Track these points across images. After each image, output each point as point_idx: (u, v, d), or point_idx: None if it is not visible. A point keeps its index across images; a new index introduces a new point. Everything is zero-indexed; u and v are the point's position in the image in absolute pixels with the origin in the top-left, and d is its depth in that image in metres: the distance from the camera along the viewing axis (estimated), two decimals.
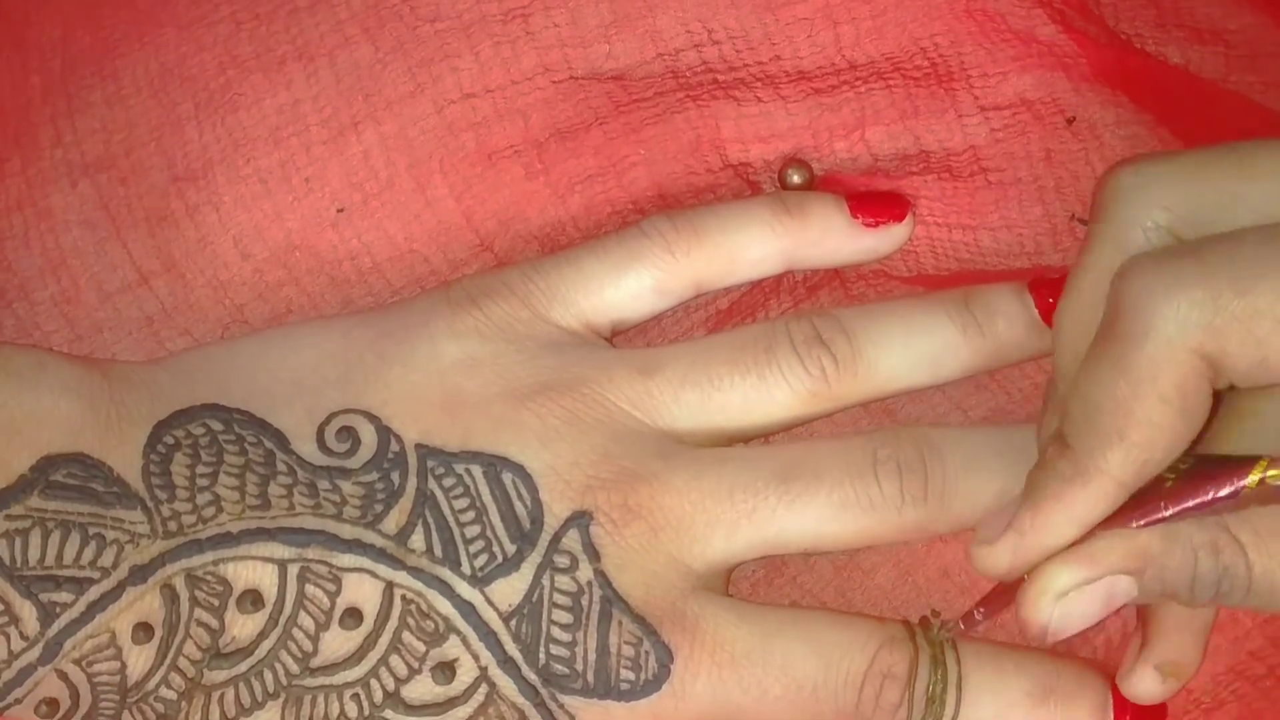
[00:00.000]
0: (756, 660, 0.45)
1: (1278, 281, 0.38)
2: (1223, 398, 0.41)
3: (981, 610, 0.45)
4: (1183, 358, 0.38)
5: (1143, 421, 0.39)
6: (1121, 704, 0.46)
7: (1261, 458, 0.40)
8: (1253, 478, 0.40)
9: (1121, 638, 0.48)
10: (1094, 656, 0.48)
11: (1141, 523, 0.41)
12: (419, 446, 0.46)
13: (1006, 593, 0.43)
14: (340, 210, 0.51)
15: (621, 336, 0.50)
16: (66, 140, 0.51)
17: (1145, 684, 0.45)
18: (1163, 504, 0.41)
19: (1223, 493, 0.40)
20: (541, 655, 0.45)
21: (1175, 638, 0.45)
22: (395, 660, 0.45)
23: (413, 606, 0.45)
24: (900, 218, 0.50)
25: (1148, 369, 0.39)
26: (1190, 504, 0.40)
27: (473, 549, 0.45)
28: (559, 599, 0.45)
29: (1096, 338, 0.40)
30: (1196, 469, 0.41)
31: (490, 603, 0.45)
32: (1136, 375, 0.39)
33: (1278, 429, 0.42)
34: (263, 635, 0.44)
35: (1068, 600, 0.41)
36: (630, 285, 0.49)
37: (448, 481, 0.46)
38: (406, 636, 0.45)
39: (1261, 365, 0.38)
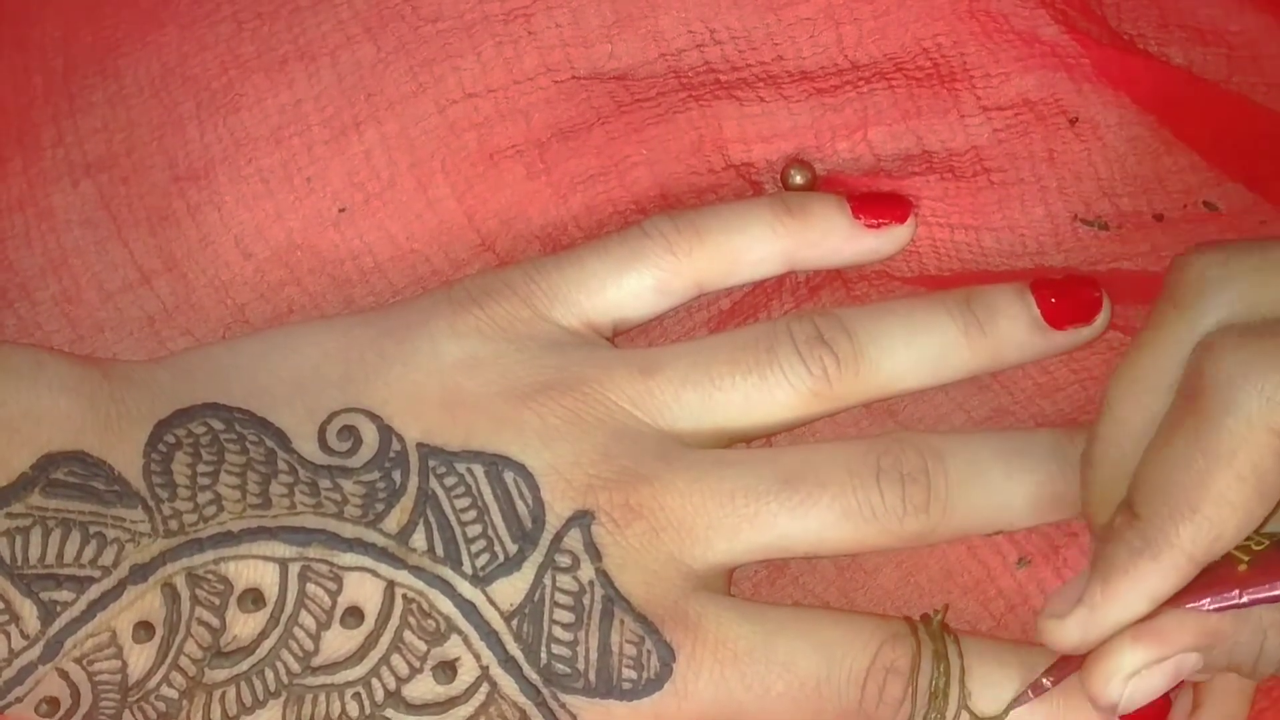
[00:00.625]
0: (759, 658, 0.45)
1: None
2: None
3: (1049, 679, 0.45)
4: (1263, 438, 0.39)
5: (1217, 498, 0.40)
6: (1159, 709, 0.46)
7: None
8: None
9: None
10: None
11: (1214, 607, 0.41)
12: (420, 446, 0.46)
13: (1073, 660, 0.44)
14: (342, 210, 0.51)
15: (623, 336, 0.50)
16: (68, 140, 0.51)
17: None
18: (1238, 592, 0.41)
19: None
20: (543, 654, 0.45)
21: (1224, 699, 0.46)
22: (396, 659, 0.44)
23: (414, 606, 0.45)
24: (902, 219, 0.50)
25: (1227, 445, 0.39)
26: (1266, 593, 0.41)
27: (474, 548, 0.45)
28: (560, 598, 0.45)
29: (1173, 410, 0.41)
30: (1270, 552, 0.41)
31: (492, 602, 0.45)
32: (1215, 451, 0.39)
33: None
34: (264, 634, 0.44)
35: (1137, 678, 0.42)
36: (632, 285, 0.49)
37: (449, 481, 0.46)
38: (408, 636, 0.45)
39: None
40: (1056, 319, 0.48)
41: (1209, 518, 0.40)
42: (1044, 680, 0.45)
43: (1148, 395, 0.42)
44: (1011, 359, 0.49)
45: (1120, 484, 0.43)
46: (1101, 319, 0.49)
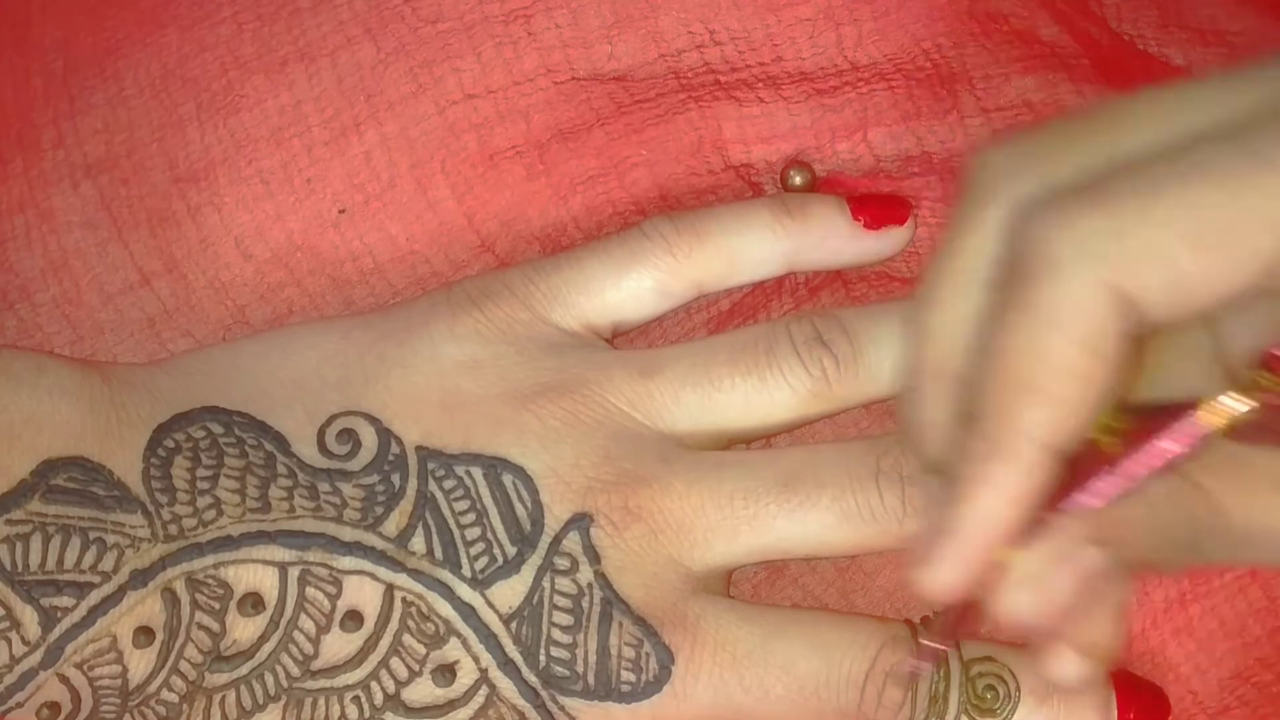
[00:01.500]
0: (758, 660, 0.45)
1: (1182, 195, 0.34)
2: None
3: (932, 639, 0.43)
4: (1090, 292, 0.35)
5: (1054, 370, 0.35)
6: (1125, 701, 0.46)
7: (1198, 398, 0.37)
8: (1206, 416, 0.37)
9: (1126, 642, 0.48)
10: None
11: (1090, 499, 0.38)
12: (419, 448, 0.46)
13: (965, 613, 0.41)
14: (342, 211, 0.51)
15: (623, 337, 0.50)
16: (68, 141, 0.51)
17: (1067, 665, 0.40)
18: (1107, 469, 0.38)
19: (1177, 439, 0.37)
20: (542, 657, 0.45)
21: (1096, 619, 0.41)
22: (396, 663, 0.45)
23: (413, 609, 0.45)
24: (902, 220, 0.50)
25: (1054, 310, 0.35)
26: (1142, 462, 0.37)
27: (473, 551, 0.45)
28: (559, 601, 0.45)
29: (994, 300, 0.37)
30: (1138, 426, 0.37)
31: (491, 605, 0.45)
32: (1044, 319, 0.35)
33: (1183, 372, 0.39)
34: (263, 638, 0.44)
35: (1041, 584, 0.38)
36: (631, 286, 0.49)
37: (448, 483, 0.46)
38: (407, 639, 0.45)
39: (1176, 287, 0.35)
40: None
41: (1051, 394, 0.35)
42: (926, 644, 0.43)
43: (952, 293, 0.38)
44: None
45: (942, 399, 0.39)
46: None
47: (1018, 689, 0.46)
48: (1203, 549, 0.39)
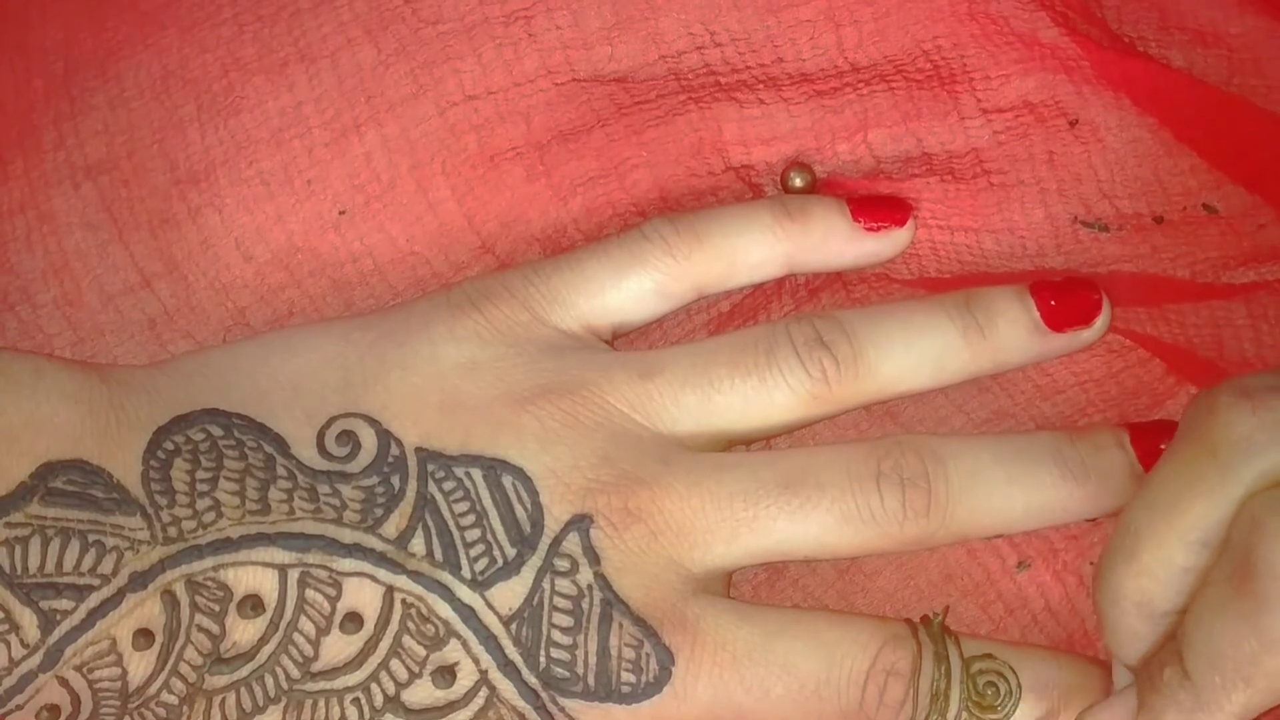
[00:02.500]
0: (758, 660, 0.45)
1: None
2: None
3: None
4: None
5: (1270, 673, 0.40)
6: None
7: None
8: None
9: None
10: (1098, 655, 0.48)
11: None
12: (419, 450, 0.46)
13: None
14: (342, 212, 0.51)
15: (623, 339, 0.50)
16: (69, 143, 0.51)
17: None
18: None
19: None
20: (542, 658, 0.45)
21: None
22: (396, 664, 0.45)
23: (413, 610, 0.45)
24: (902, 222, 0.50)
25: None
26: None
27: (473, 553, 0.45)
28: (559, 602, 0.45)
29: (1226, 582, 0.41)
30: None
31: (490, 606, 0.45)
32: (1271, 636, 0.40)
33: None
34: (263, 640, 0.44)
35: None
36: (631, 288, 0.49)
37: (448, 485, 0.46)
38: (407, 641, 0.45)
39: None
40: (1056, 321, 0.48)
41: (1261, 690, 0.40)
42: None
43: (1178, 549, 0.42)
44: (1011, 361, 0.49)
45: (1147, 627, 0.43)
46: (1101, 321, 0.49)
47: (1018, 686, 0.46)
48: None
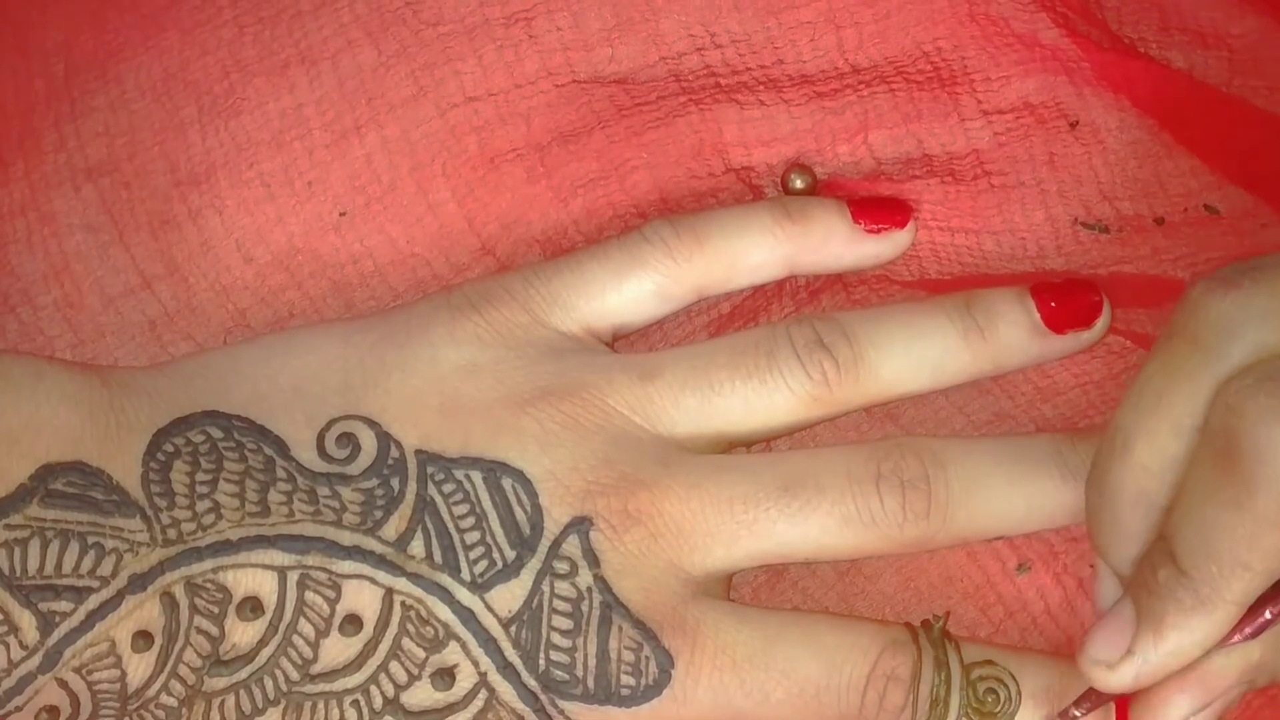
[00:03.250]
0: (758, 664, 0.45)
1: None
2: None
3: (1079, 710, 0.45)
4: None
5: (1266, 553, 0.40)
6: (1123, 704, 0.46)
7: None
8: None
9: None
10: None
11: (1249, 631, 0.42)
12: (419, 452, 0.46)
13: (1104, 694, 0.44)
14: (343, 214, 0.51)
15: (623, 341, 0.50)
16: (70, 144, 0.51)
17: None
18: (1268, 611, 0.42)
19: None
20: (541, 661, 0.45)
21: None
22: (395, 667, 0.45)
23: (412, 613, 0.45)
24: (902, 223, 0.50)
25: (1274, 511, 0.39)
26: None
27: (472, 555, 0.45)
28: (559, 605, 0.45)
29: (1210, 470, 0.40)
30: None
31: (490, 609, 0.45)
32: (1263, 517, 0.39)
33: None
34: (263, 642, 0.44)
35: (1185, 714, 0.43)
36: (632, 290, 0.49)
37: (447, 487, 0.46)
38: (406, 643, 0.45)
39: None
40: (1057, 323, 0.48)
41: (1259, 572, 0.40)
42: (1074, 711, 0.45)
43: (1169, 438, 0.42)
44: (1012, 363, 0.49)
45: (1142, 525, 0.43)
46: (1102, 323, 0.49)
47: (1018, 692, 0.46)
48: None
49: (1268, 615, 0.42)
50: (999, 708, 0.45)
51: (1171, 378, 0.41)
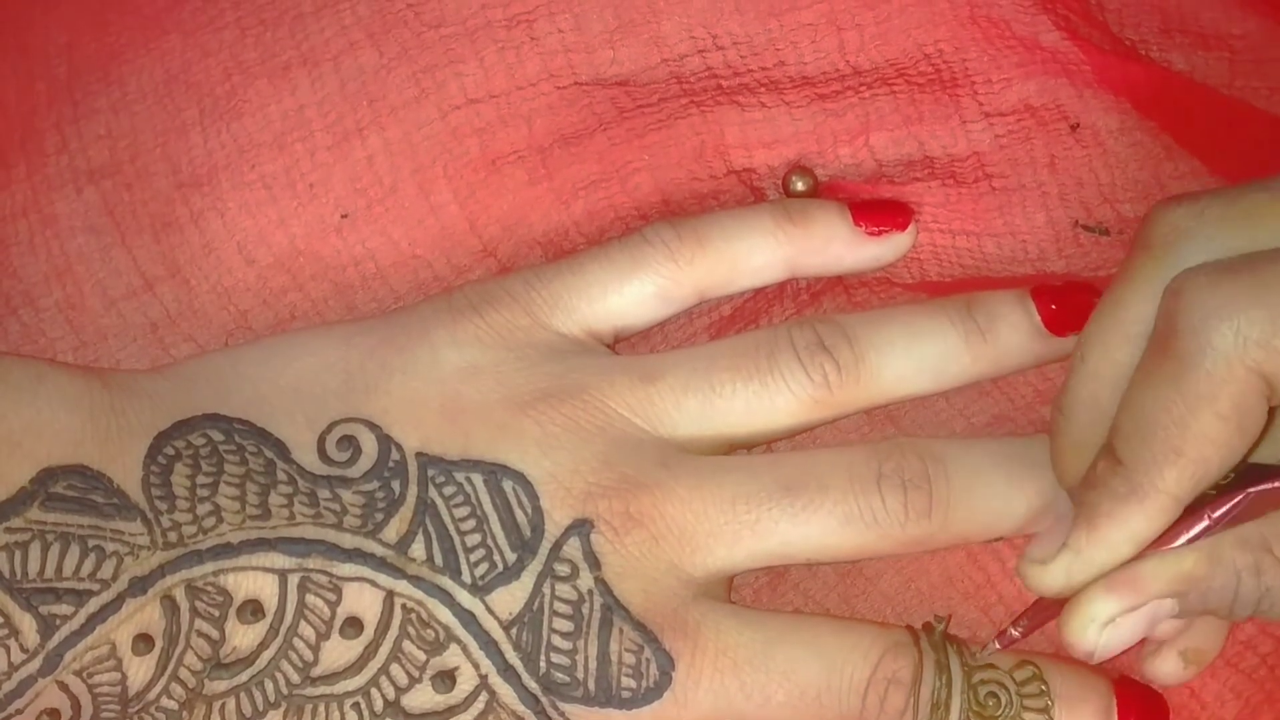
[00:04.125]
0: (759, 666, 0.45)
1: None
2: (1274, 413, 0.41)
3: (1018, 628, 0.45)
4: (1241, 375, 0.39)
5: (1200, 438, 0.40)
6: (1126, 706, 0.46)
7: None
8: None
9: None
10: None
11: (1187, 537, 0.42)
12: (419, 455, 0.46)
13: (1043, 610, 0.44)
14: (344, 216, 0.51)
15: (624, 343, 0.50)
16: (72, 146, 0.51)
17: (1168, 667, 0.46)
18: (1205, 513, 0.42)
19: (1261, 487, 0.41)
20: (542, 663, 0.45)
21: (1200, 627, 0.46)
22: (396, 669, 0.45)
23: (413, 615, 0.45)
24: (903, 226, 0.50)
25: (1205, 387, 0.39)
26: (1228, 506, 0.42)
27: (473, 557, 0.45)
28: (560, 607, 0.45)
29: (1148, 354, 0.41)
30: (1236, 480, 0.42)
31: (491, 611, 0.45)
32: (1194, 394, 0.39)
33: None
34: (263, 645, 0.44)
35: (1113, 626, 0.43)
36: (633, 292, 0.49)
37: (448, 490, 0.46)
38: (407, 645, 0.45)
39: None
40: (1057, 325, 0.48)
41: (1192, 459, 0.40)
42: (1012, 630, 0.45)
43: (1120, 344, 0.42)
44: (1012, 365, 0.49)
45: (1093, 434, 0.43)
46: None
47: (1019, 696, 0.46)
48: (1263, 610, 0.42)
49: (1206, 521, 0.42)
50: (1000, 711, 0.45)
51: (1124, 283, 0.42)
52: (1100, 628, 0.42)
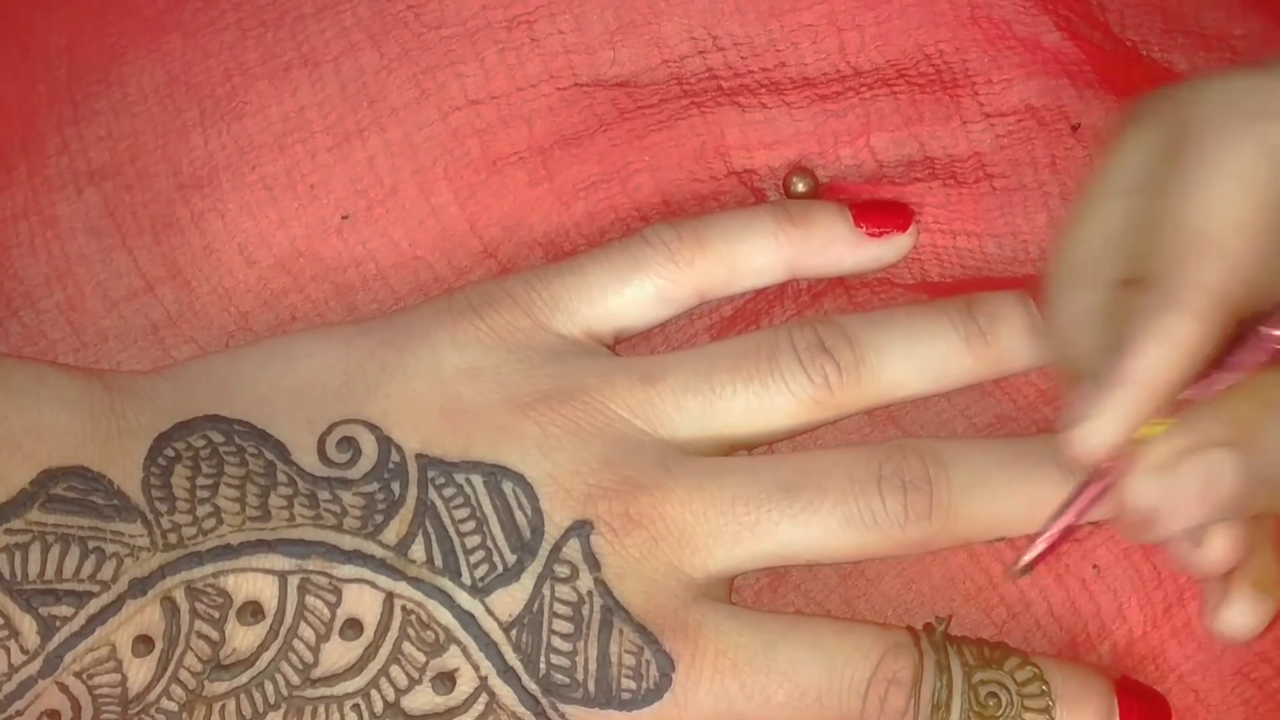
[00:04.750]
0: (760, 667, 0.45)
1: None
2: None
3: (1024, 567, 0.44)
4: (1259, 150, 0.38)
5: (1234, 221, 0.38)
6: (1127, 706, 0.46)
7: None
8: None
9: (1127, 643, 0.48)
10: (1099, 661, 0.48)
11: (1232, 370, 0.40)
12: (419, 456, 0.46)
13: (1084, 497, 0.42)
14: (345, 217, 0.51)
15: (624, 344, 0.50)
16: (72, 148, 0.51)
17: (1245, 607, 0.44)
18: (1258, 332, 0.39)
19: None
20: (542, 665, 0.45)
21: (1261, 552, 0.44)
22: (395, 671, 0.45)
23: (413, 617, 0.45)
24: (904, 227, 0.50)
25: (1230, 167, 0.38)
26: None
27: (473, 559, 0.45)
28: (559, 609, 0.45)
29: (1167, 166, 0.39)
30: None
31: (490, 613, 0.45)
32: (1224, 174, 0.38)
33: None
34: (263, 647, 0.44)
35: (1169, 481, 0.40)
36: (633, 294, 0.49)
37: (448, 491, 0.46)
38: (407, 647, 0.45)
39: None
40: None
41: (1229, 248, 0.38)
42: (1038, 539, 0.44)
43: (1119, 204, 0.41)
44: (1014, 367, 0.49)
45: (1093, 297, 0.41)
46: None
47: (1020, 697, 0.46)
48: None
49: (1262, 343, 0.39)
50: (1000, 712, 0.45)
51: (1125, 140, 0.42)
52: (1158, 475, 0.40)
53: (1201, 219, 0.38)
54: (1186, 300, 0.38)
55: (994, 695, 0.46)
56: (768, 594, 0.50)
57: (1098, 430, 0.39)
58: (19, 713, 0.43)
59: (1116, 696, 0.46)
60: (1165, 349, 0.39)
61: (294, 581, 0.45)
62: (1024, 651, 0.47)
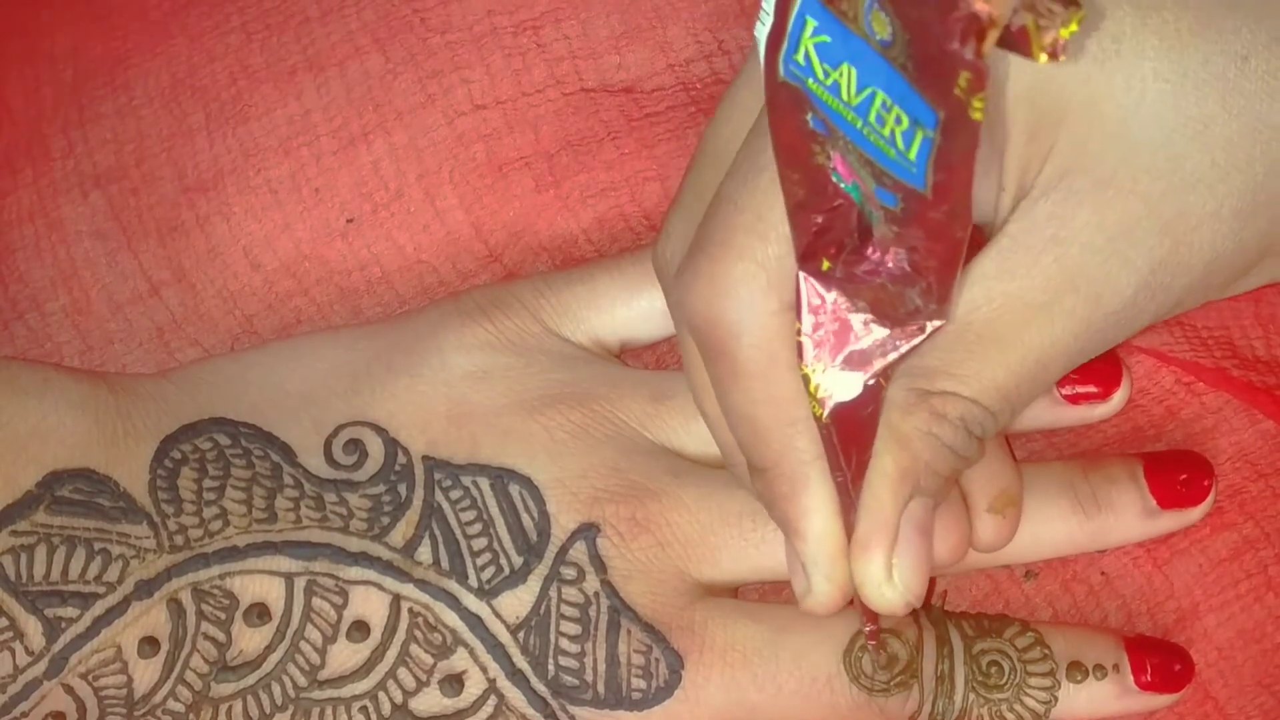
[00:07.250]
0: (768, 656, 0.45)
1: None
2: None
3: (870, 631, 0.45)
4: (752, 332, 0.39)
5: (783, 393, 0.40)
6: (1139, 662, 0.46)
7: None
8: None
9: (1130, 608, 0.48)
10: (1106, 622, 0.48)
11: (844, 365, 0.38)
12: (426, 459, 0.46)
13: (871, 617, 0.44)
14: (350, 220, 0.51)
15: (630, 353, 0.50)
16: (78, 151, 0.51)
17: (989, 526, 0.44)
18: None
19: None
20: (550, 667, 0.45)
21: (983, 473, 0.44)
22: (403, 673, 0.45)
23: (420, 619, 0.45)
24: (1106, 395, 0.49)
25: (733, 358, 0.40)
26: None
27: (479, 561, 0.45)
28: (566, 610, 0.45)
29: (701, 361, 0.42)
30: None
31: (498, 615, 0.45)
32: (741, 372, 0.40)
33: None
34: (270, 648, 0.44)
35: (900, 570, 0.41)
36: (642, 306, 0.48)
37: (455, 494, 0.46)
38: (414, 649, 0.45)
39: None
40: (1168, 499, 0.47)
41: (804, 416, 0.40)
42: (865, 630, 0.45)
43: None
44: (1112, 542, 0.48)
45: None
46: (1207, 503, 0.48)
47: (1022, 663, 0.45)
48: (981, 436, 0.41)
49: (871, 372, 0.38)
50: (1004, 680, 0.45)
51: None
52: (888, 583, 0.41)
53: (771, 409, 0.40)
54: (805, 474, 0.41)
55: (996, 664, 0.46)
56: (772, 590, 0.49)
57: (825, 601, 0.42)
58: (24, 714, 0.43)
59: (1127, 653, 0.46)
60: (818, 516, 0.41)
61: (300, 583, 0.44)
62: (1023, 619, 0.47)
